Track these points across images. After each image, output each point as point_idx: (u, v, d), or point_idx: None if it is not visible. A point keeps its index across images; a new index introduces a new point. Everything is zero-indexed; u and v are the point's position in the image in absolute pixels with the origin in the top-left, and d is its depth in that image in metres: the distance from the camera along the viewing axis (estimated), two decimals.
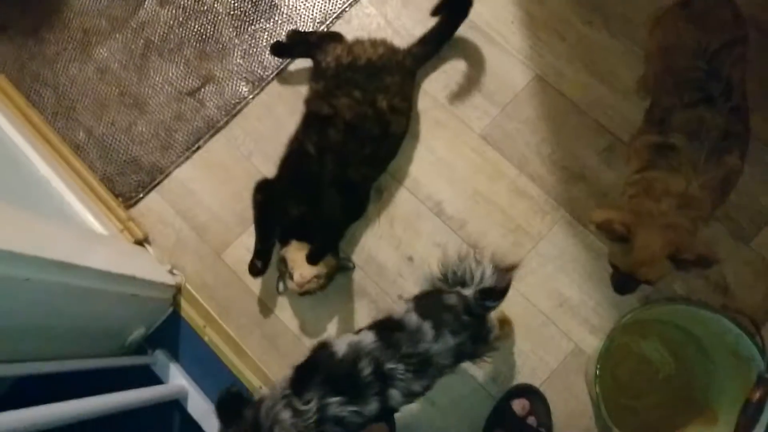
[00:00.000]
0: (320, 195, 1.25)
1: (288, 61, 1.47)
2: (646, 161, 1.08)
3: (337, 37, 1.40)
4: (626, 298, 1.25)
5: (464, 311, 0.94)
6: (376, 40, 1.33)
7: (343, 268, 1.31)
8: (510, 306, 1.27)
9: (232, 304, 1.36)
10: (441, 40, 1.39)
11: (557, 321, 1.26)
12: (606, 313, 1.26)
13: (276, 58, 1.47)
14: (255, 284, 1.36)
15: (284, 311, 1.34)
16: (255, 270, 1.27)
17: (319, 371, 0.92)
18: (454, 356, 0.94)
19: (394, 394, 0.91)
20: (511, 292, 1.25)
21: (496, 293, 0.97)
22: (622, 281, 1.12)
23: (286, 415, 0.88)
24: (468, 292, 0.96)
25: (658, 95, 1.13)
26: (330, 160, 1.24)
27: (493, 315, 1.12)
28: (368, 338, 0.94)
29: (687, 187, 1.02)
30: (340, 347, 0.94)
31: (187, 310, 1.37)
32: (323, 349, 0.96)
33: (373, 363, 0.90)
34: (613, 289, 1.16)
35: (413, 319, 0.94)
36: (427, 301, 0.98)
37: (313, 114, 1.30)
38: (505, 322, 1.22)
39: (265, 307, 1.35)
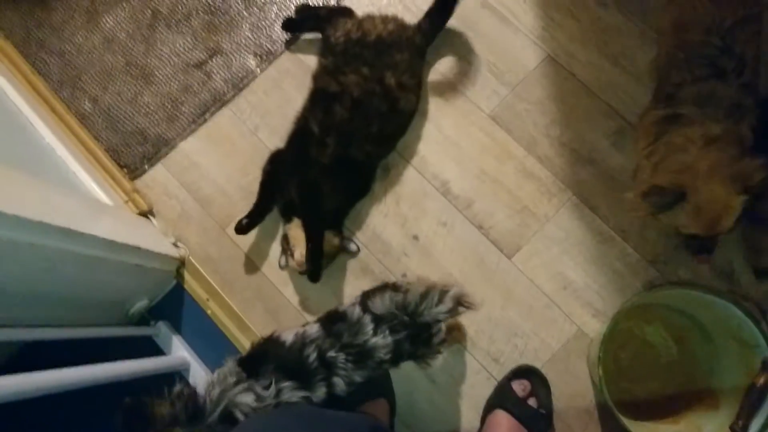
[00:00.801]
0: (319, 178, 1.24)
1: (297, 35, 1.45)
2: (655, 135, 1.06)
3: (347, 12, 1.38)
4: (630, 283, 1.25)
5: (404, 313, 0.96)
6: (387, 16, 1.31)
7: (345, 250, 1.31)
8: (513, 287, 1.27)
9: (235, 278, 1.36)
10: (446, 11, 1.36)
11: (561, 304, 1.26)
12: (610, 298, 1.25)
13: (285, 32, 1.45)
14: (258, 259, 1.36)
15: (287, 287, 1.34)
16: (239, 227, 1.27)
17: (269, 359, 0.94)
18: (392, 353, 0.95)
19: (338, 382, 0.93)
20: (516, 274, 1.27)
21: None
22: (700, 244, 1.08)
23: (248, 398, 0.89)
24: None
25: (668, 72, 1.11)
26: (332, 140, 1.23)
27: None
28: (313, 328, 0.96)
29: (707, 130, 0.99)
30: (288, 337, 0.96)
31: (191, 283, 1.37)
32: (270, 340, 0.98)
33: (317, 350, 0.93)
34: (694, 254, 1.11)
35: (356, 311, 0.96)
36: (372, 296, 0.99)
37: (321, 90, 1.28)
38: (455, 328, 1.22)
39: (268, 282, 1.35)
